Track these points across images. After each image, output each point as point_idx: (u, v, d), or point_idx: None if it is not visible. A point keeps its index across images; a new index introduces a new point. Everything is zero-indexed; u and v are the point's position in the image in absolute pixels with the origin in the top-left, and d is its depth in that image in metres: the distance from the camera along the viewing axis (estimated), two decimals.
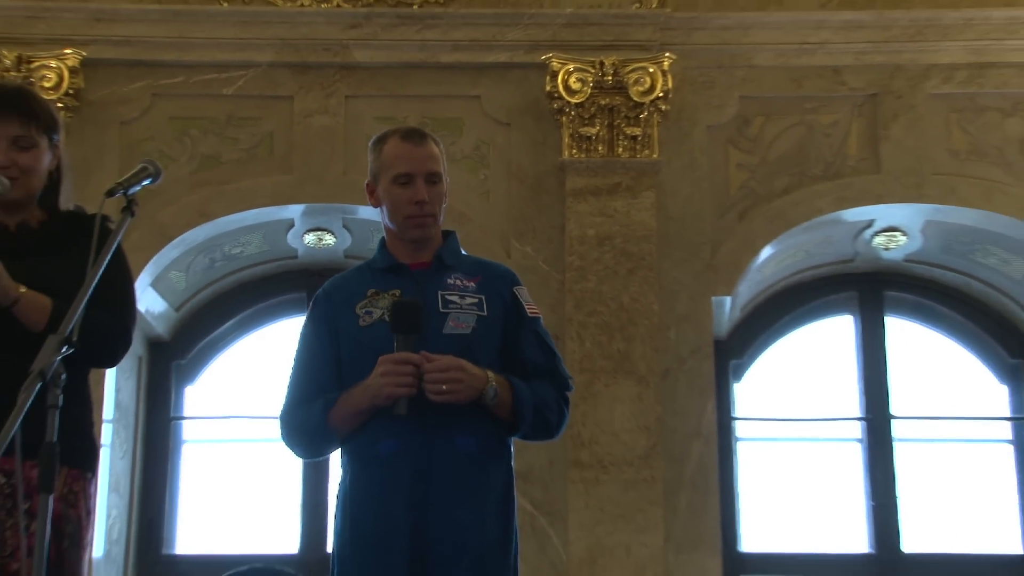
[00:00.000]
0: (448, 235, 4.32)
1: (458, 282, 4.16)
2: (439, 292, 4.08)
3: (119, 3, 8.37)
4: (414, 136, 4.25)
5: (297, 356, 4.26)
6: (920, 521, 8.57)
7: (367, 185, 4.28)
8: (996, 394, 8.83)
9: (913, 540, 8.44)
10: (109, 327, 3.89)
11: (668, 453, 7.82)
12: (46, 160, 4.07)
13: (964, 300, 8.95)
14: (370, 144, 4.35)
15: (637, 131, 8.10)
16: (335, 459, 4.30)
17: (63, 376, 3.25)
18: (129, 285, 4.11)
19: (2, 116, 3.97)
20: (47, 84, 7.74)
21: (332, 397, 4.05)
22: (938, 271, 8.95)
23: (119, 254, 3.81)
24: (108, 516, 7.93)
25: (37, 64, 7.84)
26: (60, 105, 7.84)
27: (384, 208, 4.21)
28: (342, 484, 4.15)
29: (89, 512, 3.98)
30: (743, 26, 8.42)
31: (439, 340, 3.91)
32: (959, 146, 8.26)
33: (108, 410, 7.84)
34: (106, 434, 7.82)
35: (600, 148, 8.11)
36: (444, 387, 3.85)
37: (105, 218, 3.73)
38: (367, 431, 4.02)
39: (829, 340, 9.04)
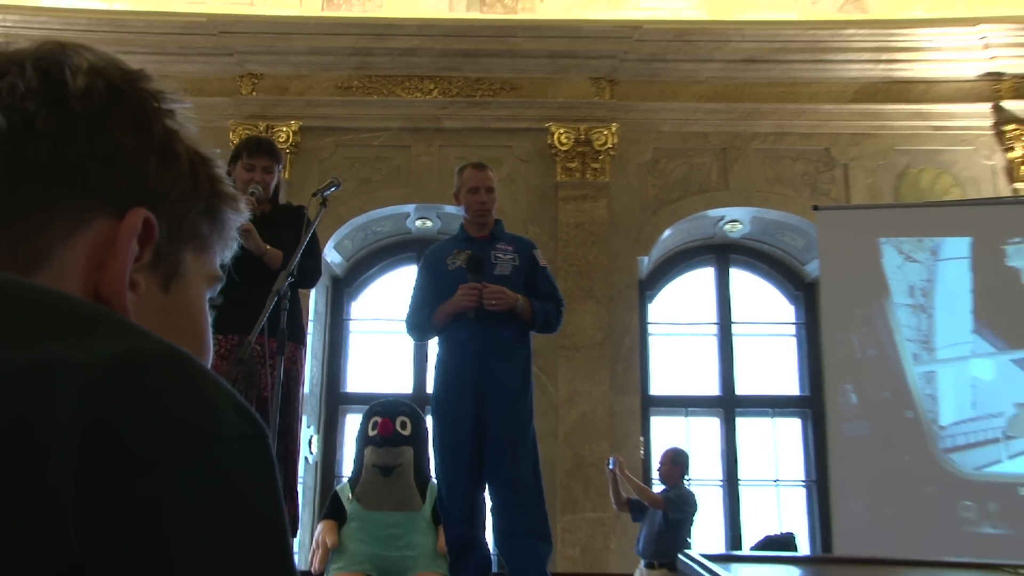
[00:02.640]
0: (497, 222, 4.88)
1: (502, 247, 4.75)
2: (492, 252, 4.68)
3: (318, 95, 9.12)
4: (479, 166, 4.89)
5: (415, 286, 4.85)
6: (746, 373, 9.46)
7: (454, 194, 4.91)
8: (787, 310, 9.81)
9: (742, 385, 9.44)
10: (311, 268, 4.41)
11: (612, 341, 8.79)
12: (276, 179, 4.66)
13: (772, 259, 9.82)
14: (456, 171, 4.97)
15: (597, 166, 9.14)
16: (433, 344, 4.93)
17: (288, 293, 4.02)
18: (319, 247, 4.57)
19: (261, 155, 4.57)
20: (281, 138, 8.70)
21: (432, 309, 4.64)
22: (759, 244, 9.81)
23: (314, 231, 4.29)
24: (311, 369, 8.45)
25: (277, 129, 8.83)
26: (287, 151, 8.70)
27: (463, 207, 4.85)
28: (438, 355, 4.73)
29: (301, 367, 4.55)
30: (655, 109, 9.28)
31: (491, 278, 4.55)
32: (769, 176, 9.23)
33: (311, 314, 8.59)
34: (309, 328, 8.23)
35: (577, 175, 9.11)
36: (494, 301, 4.47)
37: (304, 208, 4.47)
38: (451, 326, 4.60)
39: (700, 281, 9.87)
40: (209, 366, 0.67)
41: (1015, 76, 9.17)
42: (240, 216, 0.84)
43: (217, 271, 0.86)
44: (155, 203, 0.77)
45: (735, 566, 0.96)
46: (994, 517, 5.17)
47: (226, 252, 0.86)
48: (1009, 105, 9.13)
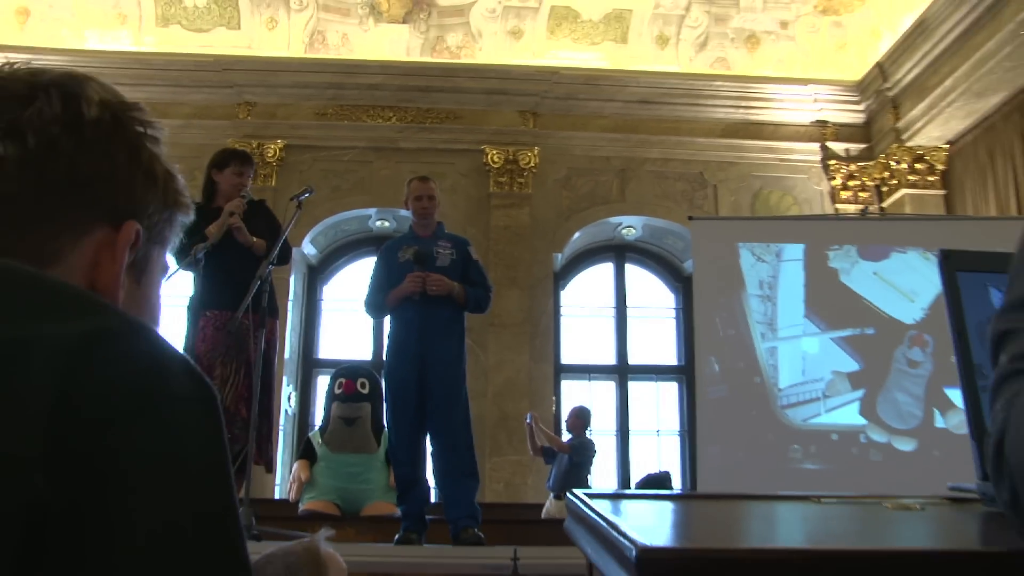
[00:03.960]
0: (439, 223, 4.77)
1: (443, 244, 4.64)
2: (434, 248, 4.58)
3: (299, 120, 9.07)
4: (423, 179, 4.79)
5: (373, 274, 4.72)
6: (636, 346, 9.49)
7: (404, 201, 4.79)
8: (669, 298, 9.79)
9: (633, 356, 9.47)
10: (285, 251, 4.37)
11: (531, 320, 8.82)
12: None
13: (658, 257, 9.82)
14: (407, 183, 4.84)
15: (522, 180, 9.14)
16: (386, 321, 4.81)
17: (270, 277, 4.05)
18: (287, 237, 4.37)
19: (248, 165, 4.51)
20: (269, 154, 8.78)
21: (386, 293, 4.55)
22: (648, 245, 9.77)
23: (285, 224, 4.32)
24: (290, 340, 8.61)
25: (266, 146, 8.83)
26: (274, 164, 8.82)
27: (412, 211, 4.73)
28: (390, 330, 4.67)
29: (279, 338, 4.69)
30: (569, 137, 9.28)
31: (434, 269, 4.49)
32: (657, 192, 9.23)
33: (291, 295, 8.66)
34: (289, 306, 8.56)
35: (506, 188, 9.12)
36: (435, 287, 4.41)
37: (264, 202, 4.51)
38: (400, 307, 4.52)
39: (601, 273, 9.83)
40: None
41: (836, 124, 9.50)
42: (188, 218, 0.85)
43: (167, 263, 0.87)
44: (140, 214, 0.78)
45: (608, 502, 0.98)
46: (814, 456, 5.29)
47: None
48: (832, 145, 9.47)
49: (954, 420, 5.23)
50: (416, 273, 4.47)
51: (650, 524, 0.92)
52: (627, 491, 4.48)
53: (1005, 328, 0.80)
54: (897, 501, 1.05)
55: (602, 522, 0.82)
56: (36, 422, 0.54)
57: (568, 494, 1.09)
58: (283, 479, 7.70)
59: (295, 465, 5.78)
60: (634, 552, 0.68)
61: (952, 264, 1.19)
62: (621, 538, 0.74)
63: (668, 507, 1.11)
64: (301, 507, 5.42)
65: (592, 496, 1.06)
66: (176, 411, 0.59)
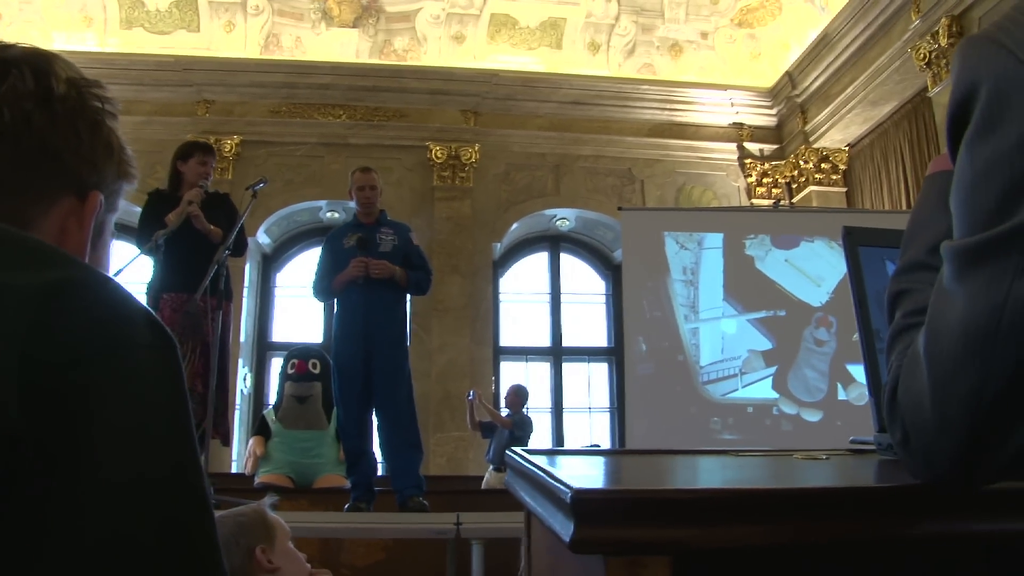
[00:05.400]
0: (382, 212, 4.73)
1: (385, 231, 4.61)
2: (377, 235, 4.55)
3: (255, 117, 8.96)
4: (365, 169, 4.74)
5: (320, 261, 4.68)
6: (570, 330, 9.54)
7: (348, 191, 4.76)
8: (599, 284, 9.83)
9: (567, 338, 9.48)
10: (241, 242, 4.32)
11: (472, 305, 8.83)
12: None
13: (590, 247, 9.85)
14: (350, 173, 4.81)
15: (464, 174, 9.12)
16: (334, 305, 4.79)
17: (226, 263, 4.02)
18: (244, 227, 4.33)
19: (211, 156, 4.42)
20: (226, 149, 8.65)
21: (332, 277, 4.53)
22: (581, 236, 9.79)
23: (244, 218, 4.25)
24: (246, 323, 8.57)
25: (223, 141, 8.65)
26: (231, 158, 8.71)
27: (355, 200, 4.70)
28: (336, 313, 4.68)
29: (231, 318, 4.38)
30: (507, 135, 9.28)
31: (377, 254, 4.46)
32: (589, 187, 9.31)
33: (247, 281, 8.55)
34: (245, 292, 8.43)
35: (448, 181, 9.10)
36: (377, 271, 4.38)
37: (227, 195, 4.42)
38: (346, 291, 4.49)
39: (538, 262, 9.84)
40: None
41: (751, 126, 9.65)
42: (132, 187, 0.84)
43: (113, 227, 0.86)
44: (101, 185, 0.78)
45: (544, 457, 0.99)
46: (731, 428, 5.37)
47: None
48: (748, 146, 9.62)
49: (854, 393, 5.36)
50: (359, 258, 4.43)
51: (584, 473, 0.93)
52: (561, 448, 4.48)
53: (899, 288, 0.82)
54: (806, 452, 1.09)
55: (540, 472, 0.83)
56: (9, 361, 0.54)
57: (508, 451, 1.10)
58: (240, 454, 7.60)
59: (251, 441, 5.73)
60: (569, 495, 0.69)
61: (854, 239, 1.22)
62: (557, 484, 0.75)
63: (600, 460, 1.12)
64: (257, 480, 5.39)
65: (531, 452, 1.07)
66: (139, 356, 0.59)
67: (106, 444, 0.55)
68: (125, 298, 0.62)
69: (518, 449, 1.10)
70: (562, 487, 0.73)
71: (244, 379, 8.46)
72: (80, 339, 0.57)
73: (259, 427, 5.69)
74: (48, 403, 0.54)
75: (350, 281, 4.45)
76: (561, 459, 1.09)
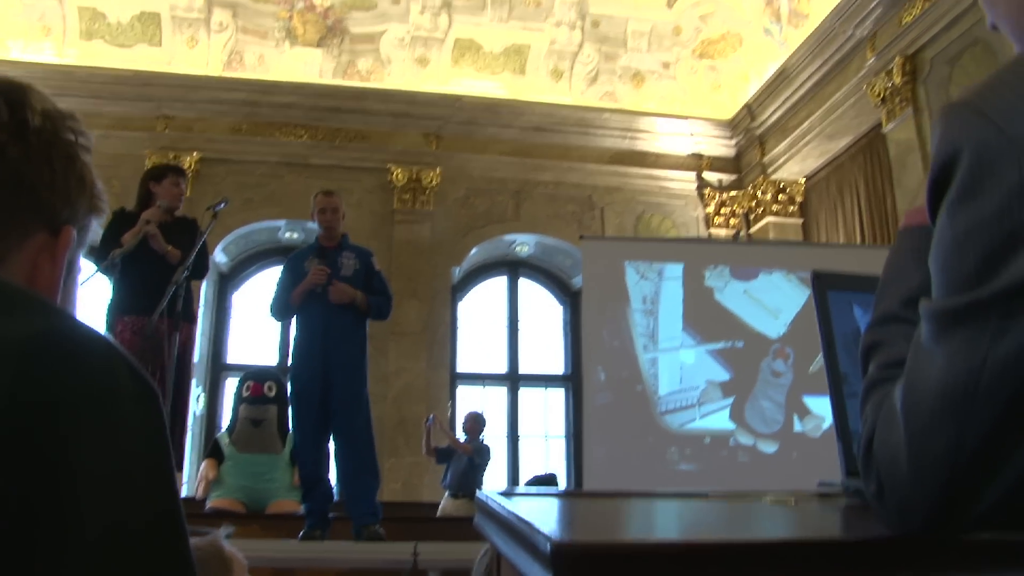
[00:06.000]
0: (344, 235, 4.70)
1: (347, 254, 4.58)
2: (339, 258, 4.51)
3: (215, 134, 8.89)
4: (328, 193, 4.71)
5: (280, 281, 4.60)
6: (527, 356, 9.50)
7: (311, 214, 4.70)
8: (558, 311, 9.85)
9: (524, 365, 9.50)
10: (202, 265, 4.31)
11: (430, 329, 8.81)
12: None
13: (549, 273, 9.90)
14: (313, 196, 4.76)
15: (424, 198, 9.12)
16: (292, 327, 4.69)
17: (184, 284, 4.00)
18: (206, 247, 4.34)
19: (183, 178, 4.46)
20: (185, 166, 8.30)
21: (290, 294, 4.44)
22: (540, 262, 9.84)
23: (206, 236, 4.24)
24: (200, 344, 8.05)
25: (182, 158, 8.51)
26: (190, 176, 7.79)
27: (318, 223, 4.66)
28: (295, 336, 4.58)
29: (194, 342, 4.49)
30: (469, 159, 9.32)
31: (338, 278, 4.42)
32: (548, 213, 9.34)
33: (203, 301, 8.32)
34: (200, 312, 7.63)
35: (409, 204, 9.10)
36: (337, 296, 4.36)
37: (196, 221, 4.38)
38: (305, 313, 4.44)
39: (496, 287, 9.85)
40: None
41: (710, 156, 9.81)
42: (100, 220, 0.82)
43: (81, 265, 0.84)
44: (73, 220, 0.76)
45: (516, 499, 0.98)
46: (689, 458, 5.37)
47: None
48: (707, 175, 9.76)
49: (810, 425, 5.42)
50: (320, 266, 4.41)
51: (561, 520, 0.93)
52: (533, 488, 4.47)
53: (872, 341, 0.84)
54: (775, 496, 1.09)
55: (516, 518, 0.83)
56: None
57: (478, 492, 1.09)
58: (190, 477, 7.49)
59: (203, 464, 5.66)
60: (548, 545, 0.68)
61: (823, 284, 1.23)
62: (535, 532, 0.74)
63: (573, 504, 1.12)
64: (208, 504, 5.30)
65: (504, 495, 1.06)
66: (123, 408, 0.58)
67: (90, 500, 0.54)
68: (107, 348, 0.61)
69: (488, 491, 1.09)
70: (540, 537, 0.72)
71: (197, 400, 8.32)
72: (64, 391, 0.56)
73: (211, 450, 5.61)
74: (33, 457, 0.53)
75: (310, 292, 4.40)
76: (534, 502, 1.09)
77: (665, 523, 0.97)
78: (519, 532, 0.81)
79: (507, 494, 1.04)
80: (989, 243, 0.61)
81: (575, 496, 1.24)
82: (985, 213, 0.61)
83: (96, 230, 0.85)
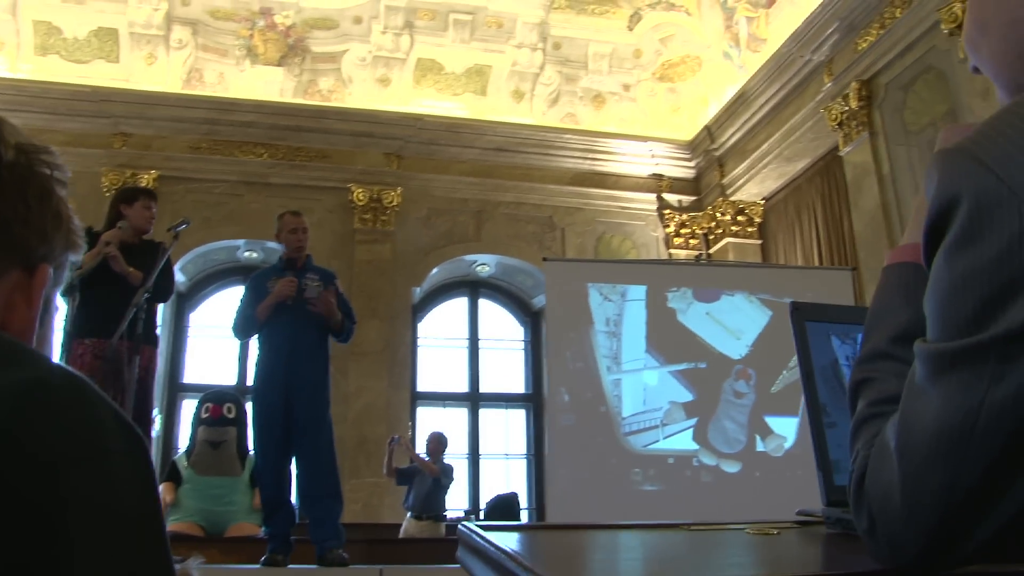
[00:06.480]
0: (308, 256, 4.64)
1: (311, 276, 4.48)
2: (304, 280, 4.43)
3: (174, 152, 8.74)
4: (297, 213, 4.67)
5: (244, 299, 4.52)
6: (488, 376, 9.50)
7: (276, 234, 4.66)
8: (519, 331, 9.84)
9: (485, 384, 9.46)
10: (166, 287, 4.28)
11: (390, 349, 8.74)
12: None
13: (509, 293, 9.89)
14: (277, 216, 4.72)
15: (385, 218, 9.08)
16: (253, 347, 4.79)
17: (145, 306, 3.95)
18: (171, 270, 4.33)
19: (155, 201, 4.42)
20: (144, 182, 8.07)
21: (255, 309, 4.36)
22: (501, 282, 9.86)
23: (168, 258, 4.18)
24: (159, 364, 8.82)
25: (139, 176, 8.36)
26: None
27: (284, 244, 4.60)
28: (258, 356, 4.50)
29: (155, 365, 4.33)
30: (430, 179, 9.32)
31: (302, 299, 4.35)
32: (510, 233, 9.37)
33: (159, 320, 8.52)
34: (160, 331, 8.96)
35: (370, 224, 9.06)
36: (317, 306, 4.33)
37: (163, 243, 4.22)
38: (270, 333, 4.37)
39: (457, 307, 9.85)
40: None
41: (670, 178, 9.90)
42: (78, 258, 0.80)
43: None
44: (49, 257, 0.74)
45: (500, 534, 0.97)
46: (652, 479, 5.40)
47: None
48: (667, 196, 9.88)
49: (772, 444, 5.48)
50: (290, 278, 4.37)
51: (555, 557, 0.92)
52: (517, 522, 4.44)
53: (861, 377, 0.85)
54: (757, 527, 1.10)
55: (510, 559, 0.82)
56: None
57: (461, 526, 1.08)
58: None
59: (159, 488, 5.48)
60: None
61: (801, 315, 1.24)
62: (529, 574, 0.74)
63: (558, 539, 1.11)
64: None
65: (487, 529, 1.05)
66: (113, 463, 0.56)
67: (83, 559, 0.52)
68: (95, 400, 0.59)
69: (472, 524, 1.08)
70: None
71: (154, 422, 8.16)
72: (53, 448, 0.54)
73: (169, 473, 5.52)
74: (25, 517, 0.51)
75: (275, 311, 4.35)
76: (520, 537, 1.08)
77: (654, 561, 0.96)
78: (511, 571, 0.81)
79: (491, 528, 1.03)
80: (988, 289, 0.62)
81: (560, 529, 1.23)
82: (984, 260, 0.62)
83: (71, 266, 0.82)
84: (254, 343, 4.60)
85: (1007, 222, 0.61)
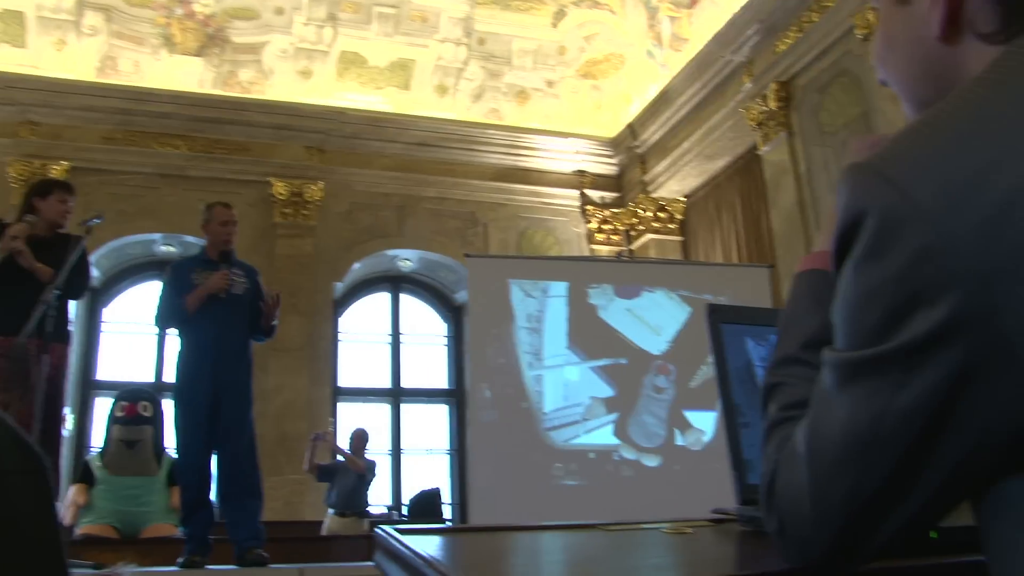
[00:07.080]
0: (232, 251, 4.49)
1: (236, 271, 4.40)
2: (231, 275, 4.34)
3: (87, 143, 8.46)
4: (227, 206, 4.57)
5: (165, 291, 4.38)
6: (410, 371, 9.45)
7: (202, 226, 4.51)
8: (441, 326, 9.83)
9: (406, 379, 9.41)
10: (79, 284, 4.12)
11: (311, 345, 8.67)
12: None
13: (431, 288, 9.87)
14: (204, 207, 4.59)
15: (307, 212, 8.98)
16: (171, 344, 4.47)
17: (55, 303, 3.79)
18: (86, 266, 4.18)
19: (71, 194, 4.20)
20: (54, 173, 7.90)
21: (182, 301, 4.24)
22: (423, 277, 9.81)
23: (83, 252, 4.05)
24: (71, 361, 8.58)
25: (50, 167, 8.14)
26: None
27: (210, 236, 4.46)
28: (180, 354, 4.38)
29: (67, 364, 4.14)
30: (352, 173, 9.12)
31: (230, 296, 4.30)
32: (432, 228, 9.28)
33: (71, 316, 8.25)
34: (73, 328, 8.61)
35: (291, 219, 8.93)
36: (275, 313, 4.32)
37: (81, 237, 4.06)
38: (195, 332, 4.28)
39: (379, 302, 9.77)
40: None
41: (593, 174, 10.00)
42: None
43: None
44: None
45: (418, 537, 0.97)
46: (574, 474, 5.44)
47: None
48: (589, 192, 9.98)
49: (691, 438, 5.58)
50: (224, 272, 4.28)
51: (474, 563, 0.92)
52: (434, 524, 4.41)
53: (773, 382, 0.87)
54: (672, 526, 1.12)
55: (425, 565, 0.81)
56: None
57: (378, 529, 1.07)
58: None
59: (71, 489, 5.36)
60: None
61: (717, 317, 1.27)
62: None
63: (476, 540, 1.11)
64: (77, 531, 5.03)
65: (404, 533, 1.04)
66: (9, 482, 0.56)
67: None
68: None
69: (389, 528, 1.07)
70: None
71: (65, 421, 7.91)
72: None
73: (82, 474, 5.34)
74: None
75: (201, 306, 4.25)
76: (439, 541, 1.07)
77: (574, 562, 0.97)
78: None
79: (409, 531, 1.02)
80: (891, 302, 0.64)
81: (480, 531, 1.23)
82: (887, 274, 0.64)
83: None
84: (174, 339, 4.58)
85: (910, 238, 0.63)
